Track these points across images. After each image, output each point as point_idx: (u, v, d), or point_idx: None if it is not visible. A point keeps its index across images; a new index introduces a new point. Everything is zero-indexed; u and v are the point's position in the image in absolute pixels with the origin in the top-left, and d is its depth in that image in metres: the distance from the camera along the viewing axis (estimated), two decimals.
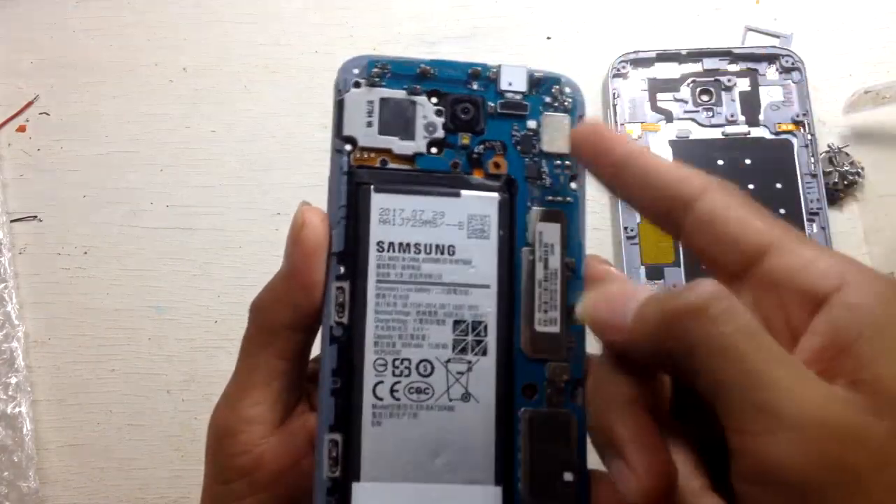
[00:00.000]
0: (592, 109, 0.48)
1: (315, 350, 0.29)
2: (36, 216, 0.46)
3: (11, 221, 0.46)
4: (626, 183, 0.24)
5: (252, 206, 0.46)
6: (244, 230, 0.46)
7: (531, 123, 0.28)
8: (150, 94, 0.48)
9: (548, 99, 0.28)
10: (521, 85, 0.28)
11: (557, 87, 0.28)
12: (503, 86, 0.28)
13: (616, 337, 0.22)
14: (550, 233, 0.27)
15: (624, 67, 0.47)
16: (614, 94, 0.46)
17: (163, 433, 0.42)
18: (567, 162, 0.28)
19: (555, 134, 0.28)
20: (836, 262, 0.20)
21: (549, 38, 0.49)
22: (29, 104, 0.48)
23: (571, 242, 0.27)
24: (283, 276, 0.27)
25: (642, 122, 0.46)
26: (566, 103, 0.28)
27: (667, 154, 0.46)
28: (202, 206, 0.46)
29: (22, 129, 0.48)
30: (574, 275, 0.27)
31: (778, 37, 0.48)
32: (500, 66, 0.28)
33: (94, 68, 0.49)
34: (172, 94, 0.48)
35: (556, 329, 0.26)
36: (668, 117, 0.46)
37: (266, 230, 0.45)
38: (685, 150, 0.46)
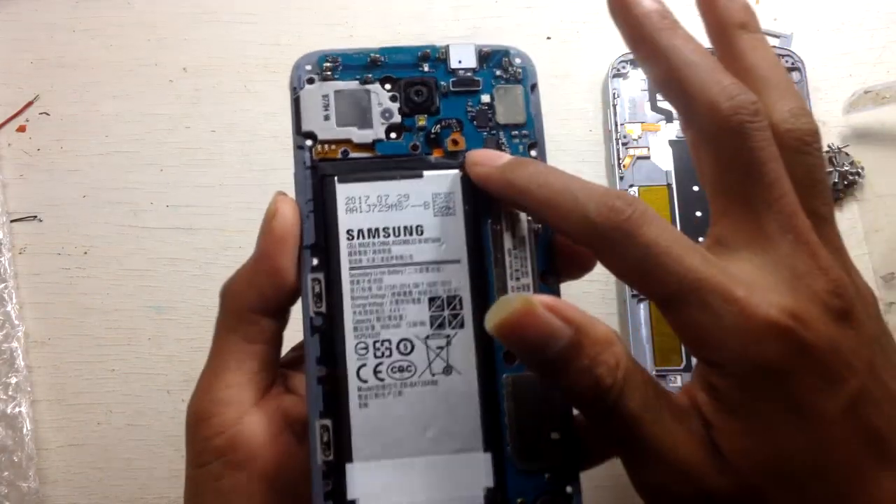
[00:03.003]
0: (593, 109, 0.48)
1: (298, 337, 0.29)
2: (36, 216, 0.46)
3: (11, 221, 0.46)
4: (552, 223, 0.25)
5: (252, 206, 0.46)
6: (244, 230, 0.46)
7: (485, 98, 0.28)
8: (150, 94, 0.48)
9: (498, 72, 0.29)
10: (471, 61, 0.29)
11: (507, 58, 0.29)
12: (453, 64, 0.28)
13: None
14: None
15: (624, 67, 0.47)
16: (614, 94, 0.46)
17: (163, 433, 0.42)
18: (525, 131, 0.28)
19: (509, 105, 0.28)
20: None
21: (549, 38, 0.49)
22: (29, 104, 0.48)
23: None
24: (251, 262, 0.28)
25: (642, 122, 0.46)
26: (517, 74, 0.29)
27: (667, 154, 0.46)
28: (202, 206, 0.46)
29: (22, 129, 0.48)
30: (541, 241, 0.27)
31: (778, 37, 0.48)
32: (447, 46, 0.29)
33: (94, 68, 0.49)
34: (172, 94, 0.48)
35: (529, 295, 0.26)
36: (668, 117, 0.46)
37: None
38: (685, 150, 0.46)
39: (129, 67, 0.49)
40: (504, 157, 0.26)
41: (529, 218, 0.27)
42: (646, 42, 0.25)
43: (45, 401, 0.43)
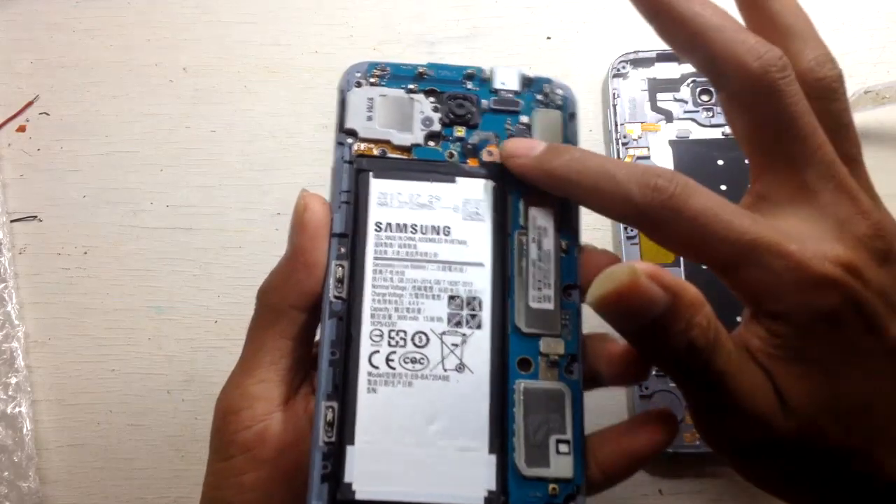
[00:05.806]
0: (593, 109, 0.48)
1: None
2: (36, 216, 0.46)
3: (11, 221, 0.46)
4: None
5: (252, 206, 0.46)
6: (244, 230, 0.46)
7: (524, 118, 0.29)
8: (150, 94, 0.48)
9: (539, 97, 0.29)
10: (514, 84, 0.30)
11: (549, 86, 0.30)
12: (497, 85, 0.30)
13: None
14: (544, 216, 0.28)
15: (624, 67, 0.47)
16: (614, 94, 0.46)
17: (163, 433, 0.42)
18: None
19: (547, 126, 0.29)
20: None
21: (549, 38, 0.49)
22: (29, 104, 0.48)
23: (564, 226, 0.28)
24: (287, 258, 0.28)
25: (642, 122, 0.46)
26: (557, 101, 0.30)
27: (667, 154, 0.46)
28: (202, 206, 0.46)
29: (22, 129, 0.48)
30: (568, 255, 0.28)
31: None
32: (493, 68, 0.30)
33: (94, 68, 0.49)
34: (172, 94, 0.48)
35: (550, 306, 0.27)
36: (668, 117, 0.46)
37: (266, 230, 0.45)
38: (685, 150, 0.46)
39: (129, 67, 0.49)
40: (539, 146, 0.27)
41: (556, 233, 0.28)
42: (665, 11, 0.26)
43: (45, 401, 0.43)
